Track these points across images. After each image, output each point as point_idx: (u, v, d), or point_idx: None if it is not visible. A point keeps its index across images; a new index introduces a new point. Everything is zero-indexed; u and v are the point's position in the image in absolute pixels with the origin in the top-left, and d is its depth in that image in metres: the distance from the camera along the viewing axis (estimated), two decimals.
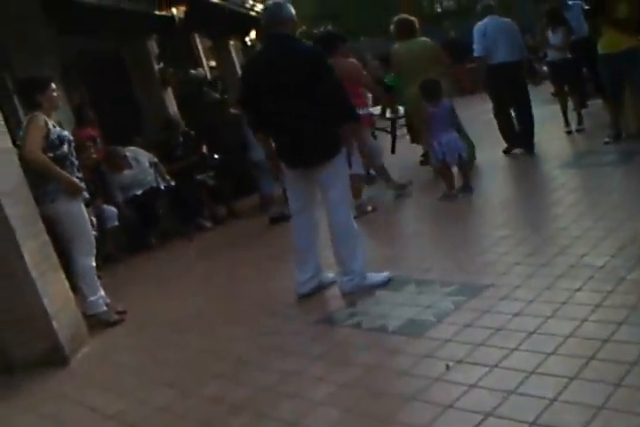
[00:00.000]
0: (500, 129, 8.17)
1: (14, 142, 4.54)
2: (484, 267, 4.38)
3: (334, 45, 6.35)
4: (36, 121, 4.69)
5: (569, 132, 8.65)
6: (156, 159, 7.77)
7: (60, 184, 4.74)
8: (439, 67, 7.37)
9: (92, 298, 4.96)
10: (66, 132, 4.97)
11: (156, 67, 8.78)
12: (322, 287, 4.62)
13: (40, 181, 4.69)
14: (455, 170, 6.67)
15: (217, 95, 9.70)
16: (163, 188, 7.56)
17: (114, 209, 7.02)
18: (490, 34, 7.77)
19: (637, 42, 6.98)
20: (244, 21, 12.80)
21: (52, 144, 4.74)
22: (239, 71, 14.09)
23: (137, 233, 7.37)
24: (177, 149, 8.25)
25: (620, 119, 7.37)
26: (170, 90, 8.96)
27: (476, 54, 8.06)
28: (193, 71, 10.32)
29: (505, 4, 8.02)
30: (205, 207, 8.07)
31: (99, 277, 5.15)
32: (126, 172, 7.47)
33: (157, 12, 8.44)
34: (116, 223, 6.95)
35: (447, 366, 3.09)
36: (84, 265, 4.91)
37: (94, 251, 5.03)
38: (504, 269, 4.24)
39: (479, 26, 7.97)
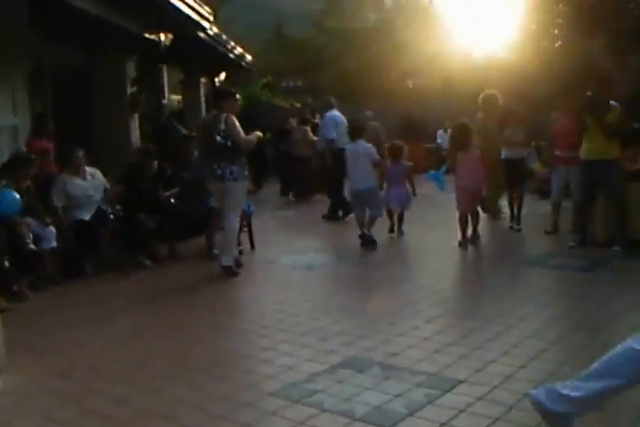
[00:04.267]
0: None
1: None
2: (456, 360, 4.09)
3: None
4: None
5: (511, 228, 8.78)
6: (109, 186, 7.30)
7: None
8: None
9: (233, 252, 6.64)
10: None
11: (129, 90, 8.39)
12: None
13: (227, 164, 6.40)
14: None
15: (184, 130, 9.33)
16: (111, 215, 7.09)
17: (53, 229, 6.48)
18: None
19: (618, 153, 7.07)
20: (220, 61, 12.63)
21: None
22: (204, 110, 13.87)
23: (74, 259, 6.81)
24: (144, 180, 7.60)
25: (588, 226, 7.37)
26: (136, 116, 8.57)
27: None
28: (165, 101, 9.96)
29: None
30: (147, 245, 7.53)
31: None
32: (79, 181, 6.98)
33: (147, 35, 8.10)
34: (54, 244, 6.41)
35: None
36: (235, 225, 6.65)
37: None
38: (479, 365, 3.97)
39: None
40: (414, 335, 4.60)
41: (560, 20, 12.98)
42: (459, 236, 7.81)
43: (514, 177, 8.71)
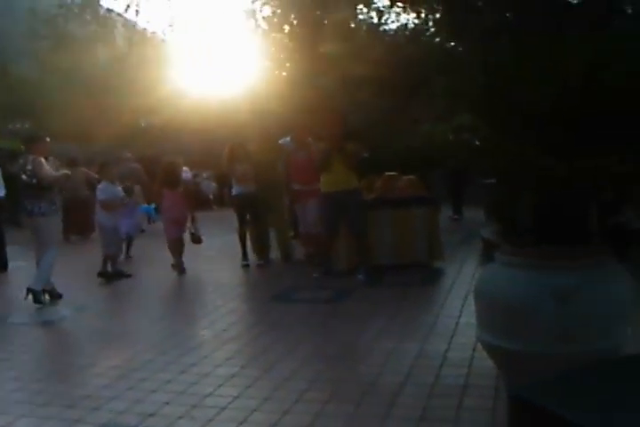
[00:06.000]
0: None
1: None
2: (217, 411, 3.84)
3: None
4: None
5: (246, 266, 8.72)
6: None
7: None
8: None
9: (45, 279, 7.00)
10: None
11: None
12: None
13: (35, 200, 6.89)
14: None
15: None
16: None
17: None
18: None
19: (357, 183, 7.35)
20: None
21: None
22: None
23: None
24: None
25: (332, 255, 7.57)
26: None
27: None
28: None
29: None
30: None
31: None
32: None
33: None
34: None
35: None
36: (49, 258, 6.98)
37: None
38: (242, 415, 3.76)
39: None
40: (169, 390, 4.26)
41: (288, 65, 13.58)
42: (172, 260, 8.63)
43: (247, 212, 8.71)
